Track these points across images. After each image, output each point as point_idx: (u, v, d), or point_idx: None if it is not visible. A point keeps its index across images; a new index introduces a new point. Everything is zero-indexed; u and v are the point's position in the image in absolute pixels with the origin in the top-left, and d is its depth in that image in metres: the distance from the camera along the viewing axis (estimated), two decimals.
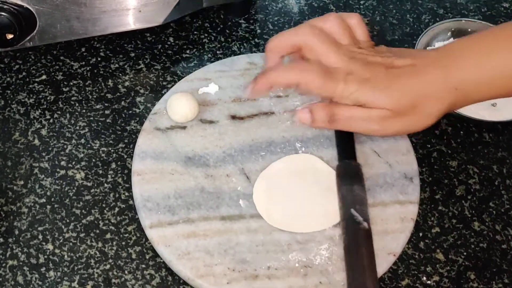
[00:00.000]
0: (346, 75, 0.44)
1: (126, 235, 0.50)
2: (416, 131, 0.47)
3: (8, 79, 0.59)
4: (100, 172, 0.54)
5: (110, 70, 0.61)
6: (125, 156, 0.55)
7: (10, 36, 0.54)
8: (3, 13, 0.52)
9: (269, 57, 0.47)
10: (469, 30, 0.63)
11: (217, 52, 0.63)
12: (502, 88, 0.44)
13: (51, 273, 0.48)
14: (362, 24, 0.48)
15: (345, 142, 0.51)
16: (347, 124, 0.46)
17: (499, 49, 0.44)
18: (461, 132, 0.58)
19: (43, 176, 0.53)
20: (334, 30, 0.46)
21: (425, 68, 0.44)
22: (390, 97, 0.44)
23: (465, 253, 0.51)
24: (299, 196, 0.50)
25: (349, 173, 0.48)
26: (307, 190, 0.50)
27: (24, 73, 0.60)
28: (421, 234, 0.51)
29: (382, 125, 0.45)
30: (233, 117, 0.54)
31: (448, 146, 0.57)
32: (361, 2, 0.68)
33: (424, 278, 0.49)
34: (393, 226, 0.49)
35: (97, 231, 0.50)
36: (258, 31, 0.65)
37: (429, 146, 0.57)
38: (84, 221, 0.51)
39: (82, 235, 0.50)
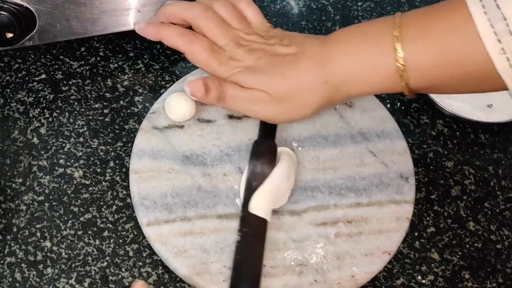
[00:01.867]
0: (228, 60, 0.48)
1: (124, 233, 0.51)
2: (294, 120, 0.50)
3: (8, 77, 0.60)
4: (98, 170, 0.54)
5: (109, 70, 0.61)
6: (123, 155, 0.55)
7: (10, 35, 0.54)
8: (3, 12, 0.53)
9: (159, 18, 0.52)
10: None
11: None
12: (372, 85, 0.46)
13: (49, 270, 0.48)
14: (252, 5, 0.51)
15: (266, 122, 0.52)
16: (233, 103, 0.48)
17: (365, 46, 0.45)
18: (457, 133, 0.59)
19: (41, 174, 0.54)
20: (224, 13, 0.50)
21: (303, 59, 0.47)
22: (268, 81, 0.47)
23: (460, 253, 0.51)
24: (285, 183, 0.50)
25: (261, 152, 0.49)
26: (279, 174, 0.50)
27: (23, 72, 0.60)
28: (416, 234, 0.52)
29: (263, 108, 0.47)
30: (231, 117, 0.55)
31: (444, 146, 0.58)
32: (359, 3, 0.69)
33: (419, 277, 0.50)
34: (388, 225, 0.49)
35: (95, 229, 0.51)
36: None
37: (425, 146, 0.57)
38: (82, 219, 0.51)
39: (79, 232, 0.50)
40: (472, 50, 0.40)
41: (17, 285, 0.48)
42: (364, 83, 0.46)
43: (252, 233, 0.46)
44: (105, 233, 0.50)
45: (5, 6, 0.53)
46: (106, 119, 0.57)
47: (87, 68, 0.61)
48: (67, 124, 0.57)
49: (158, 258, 0.49)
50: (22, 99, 0.58)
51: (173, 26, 0.50)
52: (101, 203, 0.52)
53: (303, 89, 0.46)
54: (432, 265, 0.50)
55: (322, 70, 0.46)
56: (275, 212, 0.49)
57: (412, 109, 0.60)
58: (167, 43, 0.50)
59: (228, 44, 0.48)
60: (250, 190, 0.48)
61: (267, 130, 0.52)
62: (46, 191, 0.53)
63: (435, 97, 0.59)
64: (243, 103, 0.48)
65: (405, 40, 0.43)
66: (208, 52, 0.48)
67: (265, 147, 0.50)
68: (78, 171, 0.54)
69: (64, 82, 0.60)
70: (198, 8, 0.49)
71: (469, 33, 0.40)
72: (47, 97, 0.59)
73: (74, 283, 0.48)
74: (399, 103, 0.60)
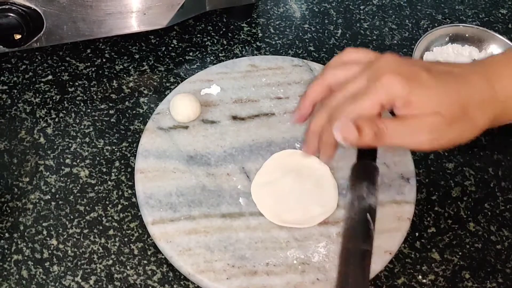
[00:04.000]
0: (390, 75, 0.40)
1: (129, 231, 0.51)
2: (463, 142, 0.42)
3: (15, 78, 0.61)
4: (104, 170, 0.55)
5: (115, 71, 0.62)
6: (129, 155, 0.56)
7: (18, 37, 0.55)
8: (11, 14, 0.54)
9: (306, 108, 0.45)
10: (467, 35, 0.64)
11: (220, 54, 0.64)
12: None
13: (55, 267, 0.49)
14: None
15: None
16: (396, 138, 0.41)
17: None
18: None
19: (48, 173, 0.54)
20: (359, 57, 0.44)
21: (470, 75, 0.41)
22: (441, 97, 0.40)
23: (460, 253, 0.52)
24: (294, 191, 0.51)
25: (362, 173, 0.44)
26: (301, 185, 0.51)
27: (30, 73, 0.61)
28: (417, 234, 0.53)
29: (433, 135, 0.40)
30: (234, 118, 0.56)
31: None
32: (361, 7, 0.70)
33: (420, 277, 0.50)
34: (389, 225, 0.50)
35: (100, 227, 0.51)
36: (260, 34, 0.66)
37: None
38: (87, 217, 0.52)
39: (85, 231, 0.51)
40: None
41: (24, 282, 0.48)
42: None
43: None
44: (111, 232, 0.51)
45: (13, 8, 0.54)
46: (112, 120, 0.58)
47: (93, 69, 0.62)
48: (73, 125, 0.58)
49: (163, 256, 0.49)
50: (29, 99, 0.59)
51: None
52: (107, 202, 0.53)
53: (475, 107, 0.40)
54: (433, 265, 0.51)
55: (493, 87, 0.41)
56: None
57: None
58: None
59: (383, 66, 0.41)
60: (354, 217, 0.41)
61: (367, 150, 0.45)
62: (53, 190, 0.53)
63: None
64: (411, 136, 0.40)
65: None
66: (367, 82, 0.41)
67: (366, 169, 0.44)
68: (84, 170, 0.55)
69: (71, 83, 0.61)
70: (327, 68, 0.45)
71: None
72: (54, 97, 0.60)
73: (80, 280, 0.49)
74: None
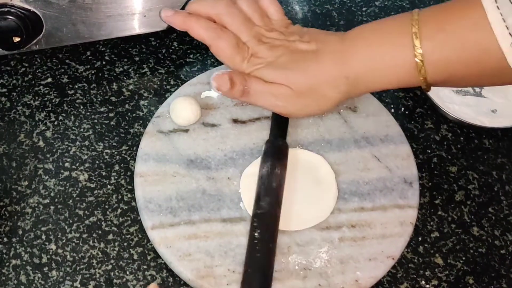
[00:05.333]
0: (251, 56, 0.49)
1: (128, 236, 0.51)
2: (315, 113, 0.51)
3: (14, 81, 0.60)
4: (104, 173, 0.54)
5: (115, 74, 0.61)
6: (128, 158, 0.55)
7: (17, 39, 0.55)
8: (10, 17, 0.53)
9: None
10: None
11: None
12: (390, 80, 0.47)
13: (54, 272, 0.49)
14: (274, 3, 0.52)
15: (278, 121, 0.53)
16: (256, 98, 0.49)
17: (385, 43, 0.46)
18: (461, 138, 0.59)
19: (47, 177, 0.54)
20: (246, 9, 0.51)
21: (324, 55, 0.48)
22: (290, 76, 0.48)
23: (464, 258, 0.51)
24: (290, 191, 0.50)
25: (273, 152, 0.50)
26: (297, 184, 0.51)
27: (30, 76, 0.61)
28: (420, 239, 0.52)
29: (285, 102, 0.48)
30: (235, 121, 0.55)
31: (448, 151, 0.58)
32: (364, 9, 0.69)
33: (423, 282, 0.50)
34: (392, 230, 0.49)
35: (100, 232, 0.51)
36: None
37: (429, 151, 0.58)
38: (87, 222, 0.52)
39: (84, 235, 0.51)
40: (487, 45, 0.42)
41: (22, 287, 0.48)
42: (383, 78, 0.47)
43: (265, 231, 0.46)
44: (110, 236, 0.51)
45: (12, 10, 0.53)
46: (112, 123, 0.58)
47: (92, 72, 0.61)
48: (73, 128, 0.57)
49: (163, 262, 0.49)
50: (28, 102, 0.59)
51: (201, 18, 0.50)
52: (106, 206, 0.52)
53: (324, 84, 0.47)
54: (436, 270, 0.50)
55: (343, 66, 0.47)
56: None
57: (416, 114, 0.60)
58: (193, 34, 0.50)
59: (251, 41, 0.50)
60: (262, 189, 0.48)
61: (279, 130, 0.53)
62: (52, 194, 0.53)
63: (439, 102, 0.59)
64: (267, 98, 0.49)
65: (424, 36, 0.44)
66: (233, 48, 0.49)
67: (277, 146, 0.51)
68: (83, 174, 0.54)
69: (70, 86, 0.60)
70: (222, 4, 0.50)
71: (485, 29, 0.41)
72: (53, 100, 0.59)
73: (78, 285, 0.48)
74: (403, 108, 0.60)
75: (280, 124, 0.53)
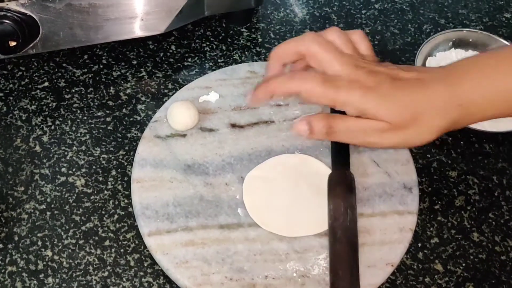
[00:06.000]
0: (350, 83, 0.43)
1: (125, 242, 0.50)
2: (414, 145, 0.46)
3: (11, 85, 0.60)
4: (100, 179, 0.54)
5: (112, 78, 0.61)
6: (125, 163, 0.55)
7: (13, 43, 0.54)
8: (6, 21, 0.53)
9: (271, 64, 0.47)
10: (470, 40, 0.63)
11: (219, 60, 0.63)
12: (505, 109, 0.44)
13: (50, 279, 0.48)
14: (366, 39, 0.47)
15: (339, 151, 0.51)
16: (345, 136, 0.45)
17: (502, 72, 0.44)
18: (461, 142, 0.58)
19: (43, 182, 0.53)
20: (336, 41, 0.46)
21: (431, 82, 0.44)
22: (392, 108, 0.43)
23: (464, 264, 0.51)
24: (292, 198, 0.50)
25: (341, 183, 0.48)
26: (301, 192, 0.50)
27: (26, 80, 0.60)
28: (420, 245, 0.51)
29: (380, 138, 0.44)
30: (233, 126, 0.55)
31: (448, 156, 0.57)
32: (363, 11, 0.69)
33: None
34: (391, 236, 0.49)
35: (96, 238, 0.50)
36: (260, 39, 0.65)
37: (429, 156, 0.57)
38: (83, 227, 0.51)
39: (81, 242, 0.50)
40: None
41: None
42: (498, 105, 0.44)
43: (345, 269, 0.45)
44: (107, 243, 0.50)
45: (8, 14, 0.53)
46: (109, 127, 0.57)
47: (90, 76, 0.61)
48: (70, 132, 0.57)
49: (160, 268, 0.48)
50: (25, 107, 0.58)
51: (277, 75, 0.46)
52: (103, 212, 0.52)
53: (429, 113, 0.43)
54: (436, 276, 0.50)
55: (455, 92, 0.43)
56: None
57: None
58: (281, 93, 0.46)
59: (346, 68, 0.44)
60: (337, 227, 0.46)
61: (343, 158, 0.50)
62: (48, 199, 0.53)
63: None
64: (357, 135, 0.44)
65: None
66: (322, 83, 0.43)
67: (346, 178, 0.48)
68: (80, 179, 0.54)
69: (67, 90, 0.60)
70: (309, 37, 0.46)
71: None
72: (50, 105, 0.59)
73: None
74: None
75: (342, 151, 0.50)
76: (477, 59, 0.46)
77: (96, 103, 0.59)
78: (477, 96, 0.43)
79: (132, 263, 0.49)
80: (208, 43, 0.65)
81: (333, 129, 0.44)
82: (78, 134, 0.57)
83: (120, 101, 0.59)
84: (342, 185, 0.47)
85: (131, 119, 0.58)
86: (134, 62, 0.62)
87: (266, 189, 0.50)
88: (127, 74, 0.61)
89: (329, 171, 0.52)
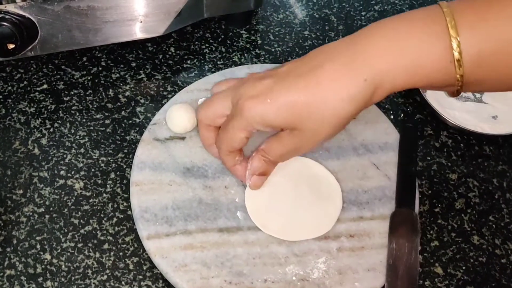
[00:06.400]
0: (237, 102, 0.43)
1: (124, 245, 0.50)
2: (331, 136, 0.43)
3: (9, 88, 0.60)
4: (99, 182, 0.54)
5: (111, 80, 0.61)
6: (124, 166, 0.55)
7: (11, 46, 0.54)
8: (5, 23, 0.53)
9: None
10: None
11: (218, 62, 0.63)
12: (421, 76, 0.40)
13: (48, 283, 0.48)
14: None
15: (405, 188, 0.50)
16: (281, 157, 0.47)
17: (412, 35, 0.39)
18: (461, 145, 0.58)
19: (42, 185, 0.53)
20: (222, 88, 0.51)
21: (326, 63, 0.40)
22: (281, 108, 0.41)
23: (464, 267, 0.51)
24: (293, 202, 0.50)
25: (406, 223, 0.47)
26: (302, 195, 0.50)
27: (25, 82, 0.60)
28: (420, 248, 0.51)
29: (306, 145, 0.44)
30: None
31: (448, 159, 0.57)
32: (363, 13, 0.69)
33: None
34: None
35: (95, 241, 0.50)
36: (259, 41, 0.65)
37: (429, 158, 0.57)
38: (82, 231, 0.51)
39: (80, 245, 0.50)
40: None
41: None
42: (410, 75, 0.39)
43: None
44: (105, 246, 0.50)
45: (7, 17, 0.53)
46: (108, 130, 0.57)
47: (88, 78, 0.61)
48: (68, 135, 0.57)
49: (159, 272, 0.48)
50: (23, 109, 0.58)
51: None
52: (102, 215, 0.52)
53: (332, 99, 0.40)
54: (436, 279, 0.50)
55: (357, 69, 0.39)
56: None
57: (415, 121, 0.59)
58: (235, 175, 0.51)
59: (232, 95, 0.45)
60: (401, 268, 0.45)
61: (410, 196, 0.49)
62: (47, 202, 0.52)
63: (439, 108, 0.58)
64: (294, 154, 0.47)
65: (461, 26, 0.38)
66: (222, 132, 0.47)
67: (403, 218, 0.48)
68: (78, 182, 0.54)
69: (66, 92, 0.60)
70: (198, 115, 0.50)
71: None
72: (49, 107, 0.59)
73: None
74: (402, 115, 0.60)
75: (407, 189, 0.50)
76: (383, 25, 0.41)
77: (95, 106, 0.59)
78: (385, 67, 0.39)
79: (131, 267, 0.49)
80: (207, 45, 0.64)
81: (273, 160, 0.47)
82: (77, 137, 0.57)
83: (119, 103, 0.59)
84: (407, 225, 0.47)
85: (130, 121, 0.58)
86: (133, 64, 0.62)
87: (267, 193, 0.50)
88: (126, 76, 0.61)
89: (328, 173, 0.52)
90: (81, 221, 0.51)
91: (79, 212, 0.52)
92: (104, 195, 0.53)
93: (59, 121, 0.58)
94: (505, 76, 0.40)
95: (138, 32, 0.59)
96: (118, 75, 0.61)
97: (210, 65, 0.63)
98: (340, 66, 0.40)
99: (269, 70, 0.46)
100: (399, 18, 0.41)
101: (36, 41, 0.56)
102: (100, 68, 0.62)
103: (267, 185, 0.50)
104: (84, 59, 0.62)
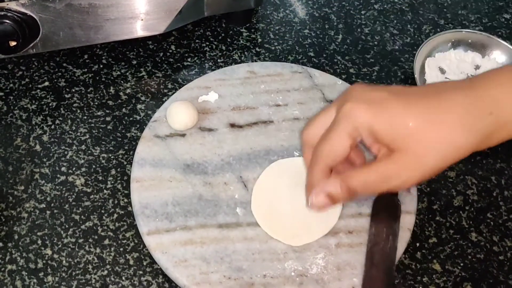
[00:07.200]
0: (343, 106, 0.38)
1: (124, 241, 0.51)
2: (444, 169, 0.38)
3: (11, 85, 0.60)
4: (100, 178, 0.54)
5: (112, 77, 0.61)
6: (125, 163, 0.55)
7: (13, 43, 0.55)
8: (7, 21, 0.53)
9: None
10: (470, 41, 0.63)
11: (218, 60, 0.63)
12: None
13: (49, 278, 0.49)
14: None
15: None
16: (368, 191, 0.40)
17: None
18: None
19: (43, 181, 0.54)
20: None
21: (447, 88, 0.37)
22: (397, 123, 0.36)
23: (462, 264, 0.51)
24: (296, 204, 0.50)
25: (386, 209, 0.46)
26: (302, 197, 0.50)
27: (27, 80, 0.61)
28: (418, 244, 0.52)
29: (403, 177, 0.37)
30: (232, 125, 0.55)
31: None
32: (362, 12, 0.69)
33: None
34: None
35: (96, 237, 0.51)
36: (259, 40, 0.66)
37: None
38: (83, 226, 0.51)
39: (80, 240, 0.50)
40: None
41: None
42: None
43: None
44: (106, 241, 0.50)
45: (8, 14, 0.53)
46: (108, 127, 0.58)
47: (90, 75, 0.61)
48: (70, 132, 0.57)
49: (159, 267, 0.49)
50: (25, 106, 0.59)
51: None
52: (102, 211, 0.52)
53: (453, 125, 0.35)
54: (434, 276, 0.50)
55: (481, 97, 0.35)
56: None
57: None
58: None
59: (340, 103, 0.40)
60: (376, 253, 0.44)
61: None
62: (48, 198, 0.53)
63: None
64: (380, 186, 0.39)
65: None
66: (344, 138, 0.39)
67: (384, 203, 0.45)
68: (79, 178, 0.54)
69: (67, 89, 0.60)
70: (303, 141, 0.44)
71: None
72: (50, 104, 0.59)
73: None
74: None
75: None
76: (502, 69, 0.38)
77: (96, 103, 0.59)
78: (510, 102, 0.35)
79: (131, 262, 0.49)
80: (207, 43, 0.65)
81: (352, 189, 0.39)
82: (78, 134, 0.57)
83: (120, 100, 0.59)
84: (387, 211, 0.45)
85: (131, 118, 0.58)
86: (134, 62, 0.62)
87: (272, 195, 0.50)
88: (127, 74, 0.62)
89: None
90: (82, 217, 0.52)
91: (80, 208, 0.52)
92: (105, 191, 0.53)
93: (60, 118, 0.58)
94: None
95: (139, 30, 0.60)
96: (119, 72, 0.62)
97: (210, 63, 0.63)
98: (464, 97, 0.36)
99: (378, 85, 0.41)
100: None
101: (38, 38, 0.56)
102: (101, 66, 0.62)
103: (273, 187, 0.51)
104: (85, 56, 0.63)
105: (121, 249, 0.50)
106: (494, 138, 0.36)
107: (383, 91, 0.38)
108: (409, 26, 0.68)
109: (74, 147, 0.56)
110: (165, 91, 0.60)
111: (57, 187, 0.53)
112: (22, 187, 0.53)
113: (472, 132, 0.35)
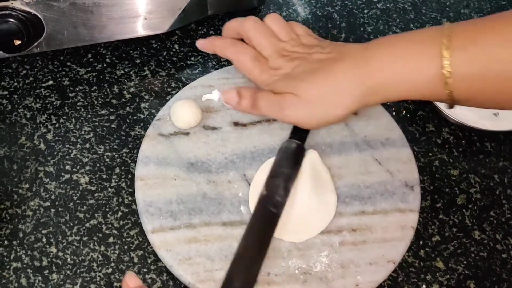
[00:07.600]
0: (269, 69, 0.51)
1: (129, 239, 0.51)
2: (328, 122, 0.49)
3: (16, 84, 0.60)
4: (104, 176, 0.54)
5: (116, 76, 0.61)
6: (129, 161, 0.55)
7: (18, 42, 0.55)
8: (11, 20, 0.53)
9: (223, 34, 0.56)
10: None
11: (221, 59, 0.63)
12: (412, 90, 0.45)
13: (54, 276, 0.49)
14: (301, 26, 0.54)
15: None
16: (265, 110, 0.50)
17: (410, 51, 0.44)
18: (463, 141, 0.58)
19: (48, 180, 0.54)
20: (274, 26, 0.53)
21: (341, 62, 0.47)
22: (297, 84, 0.48)
23: (465, 262, 0.51)
24: (295, 200, 0.50)
25: (289, 153, 0.50)
26: (304, 192, 0.50)
27: (31, 78, 0.61)
28: (421, 242, 0.52)
29: (293, 111, 0.48)
30: (236, 124, 0.55)
31: (450, 155, 0.57)
32: (365, 11, 0.69)
33: (424, 286, 0.49)
34: (393, 234, 0.49)
35: (100, 235, 0.51)
36: None
37: (430, 154, 0.57)
38: (87, 224, 0.52)
39: (85, 238, 0.51)
40: None
41: None
42: (405, 87, 0.45)
43: (257, 231, 0.45)
44: (110, 239, 0.51)
45: (13, 13, 0.53)
46: (112, 126, 0.58)
47: (94, 74, 0.61)
48: (74, 130, 0.57)
49: (163, 265, 0.49)
50: (29, 105, 0.59)
51: (224, 38, 0.55)
52: (107, 209, 0.52)
53: (336, 91, 0.47)
54: (437, 274, 0.50)
55: (361, 72, 0.46)
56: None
57: (417, 117, 0.60)
58: (219, 53, 0.54)
59: (272, 55, 0.51)
60: (270, 186, 0.47)
61: (298, 133, 0.52)
62: (52, 197, 0.53)
63: (441, 105, 0.59)
64: (274, 108, 0.49)
65: (454, 47, 0.42)
66: (252, 61, 0.51)
67: (293, 147, 0.50)
68: (84, 177, 0.54)
69: (71, 88, 0.60)
70: (250, 21, 0.53)
71: None
72: (54, 103, 0.59)
73: None
74: (404, 111, 0.60)
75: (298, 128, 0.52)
76: (392, 38, 0.47)
77: (100, 102, 0.59)
78: (383, 76, 0.45)
79: (135, 260, 0.50)
80: None
81: (257, 101, 0.50)
82: (82, 132, 0.57)
83: (123, 99, 0.60)
84: (289, 156, 0.50)
85: (135, 117, 0.58)
86: (138, 61, 0.63)
87: None
88: (131, 73, 0.62)
89: (323, 168, 0.52)
90: (87, 215, 0.52)
91: (85, 206, 0.53)
92: (109, 189, 0.54)
93: (65, 117, 0.58)
94: (492, 97, 0.43)
95: (142, 29, 0.60)
96: (122, 71, 0.62)
97: (213, 62, 0.63)
98: (350, 66, 0.47)
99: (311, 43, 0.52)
100: (402, 37, 0.47)
101: (42, 37, 0.57)
102: (105, 65, 0.62)
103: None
104: (89, 55, 0.63)
105: (126, 247, 0.50)
106: (371, 100, 0.47)
107: (295, 62, 0.50)
108: (411, 25, 0.68)
109: (78, 145, 0.56)
110: (169, 90, 0.61)
111: (61, 185, 0.54)
112: (27, 186, 0.54)
113: (352, 98, 0.46)
